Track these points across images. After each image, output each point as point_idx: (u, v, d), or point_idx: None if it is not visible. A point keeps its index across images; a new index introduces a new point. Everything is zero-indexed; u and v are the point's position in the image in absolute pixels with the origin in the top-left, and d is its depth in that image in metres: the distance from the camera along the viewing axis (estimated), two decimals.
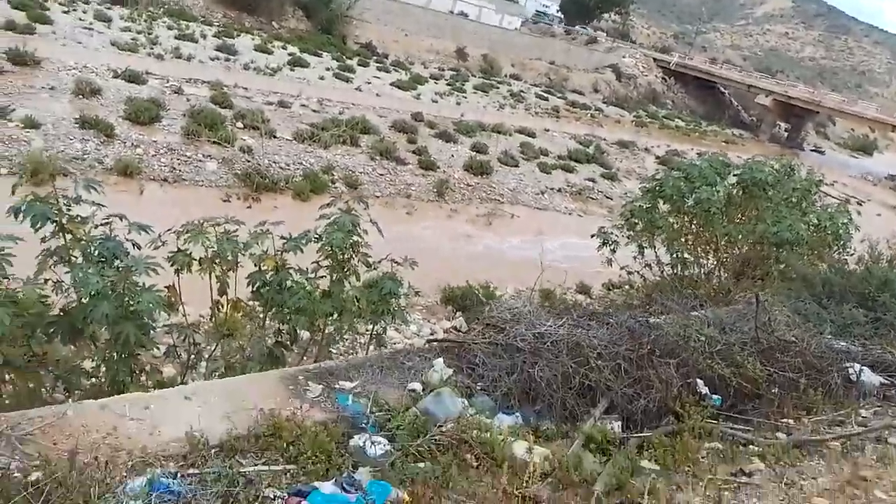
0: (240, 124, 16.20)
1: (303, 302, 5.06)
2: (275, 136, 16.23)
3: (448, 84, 33.00)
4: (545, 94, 39.34)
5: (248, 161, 14.39)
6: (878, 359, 5.31)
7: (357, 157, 17.11)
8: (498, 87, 36.71)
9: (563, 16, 64.27)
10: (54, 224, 4.30)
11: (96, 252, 4.78)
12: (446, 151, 19.87)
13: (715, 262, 10.98)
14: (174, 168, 13.45)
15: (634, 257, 11.03)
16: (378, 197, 15.75)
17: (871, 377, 5.16)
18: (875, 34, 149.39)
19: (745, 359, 4.55)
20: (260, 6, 34.26)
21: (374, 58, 34.21)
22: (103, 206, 4.81)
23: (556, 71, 47.17)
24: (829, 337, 5.47)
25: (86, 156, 12.68)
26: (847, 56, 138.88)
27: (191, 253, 4.88)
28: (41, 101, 14.18)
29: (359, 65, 30.31)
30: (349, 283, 5.36)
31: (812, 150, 56.24)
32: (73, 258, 4.50)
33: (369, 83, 27.02)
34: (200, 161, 13.96)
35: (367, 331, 6.12)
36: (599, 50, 55.85)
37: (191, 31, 26.03)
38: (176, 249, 5.10)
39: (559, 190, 20.37)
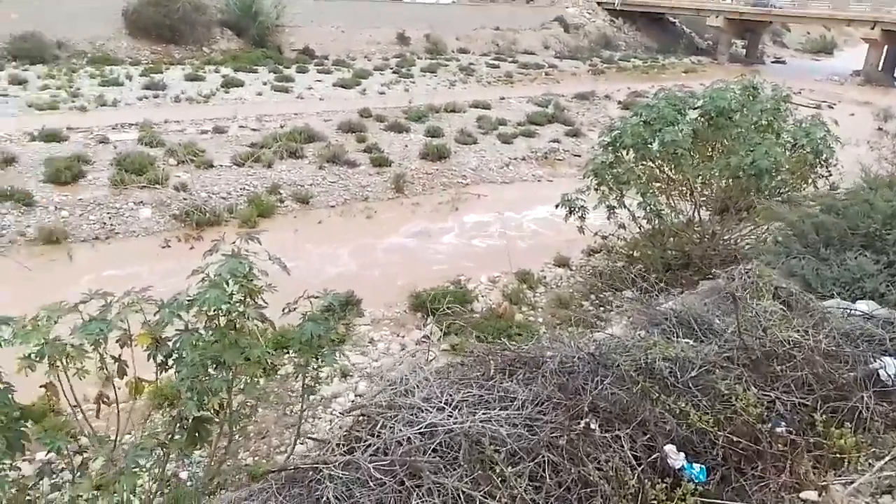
0: (172, 161, 15.15)
1: (188, 381, 4.15)
2: (211, 166, 15.19)
3: (394, 72, 31.88)
4: (495, 62, 38.26)
5: (185, 199, 13.40)
6: None
7: (304, 168, 16.12)
8: (446, 65, 35.62)
9: None
10: None
11: None
12: (399, 143, 18.88)
13: (693, 206, 10.12)
14: (104, 224, 12.45)
15: (607, 218, 10.18)
16: (332, 207, 14.81)
17: None
18: None
19: (731, 388, 3.47)
20: (186, 35, 32.87)
21: (314, 61, 32.99)
22: None
23: (502, 36, 45.98)
24: (840, 308, 4.41)
25: (4, 231, 11.67)
26: None
27: (31, 354, 3.94)
28: None
29: (298, 72, 29.12)
30: (245, 342, 4.41)
31: (773, 62, 55.39)
32: None
33: (310, 89, 25.92)
34: (132, 210, 12.96)
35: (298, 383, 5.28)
36: (542, 5, 54.63)
37: (115, 75, 24.75)
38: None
39: (523, 158, 19.47)
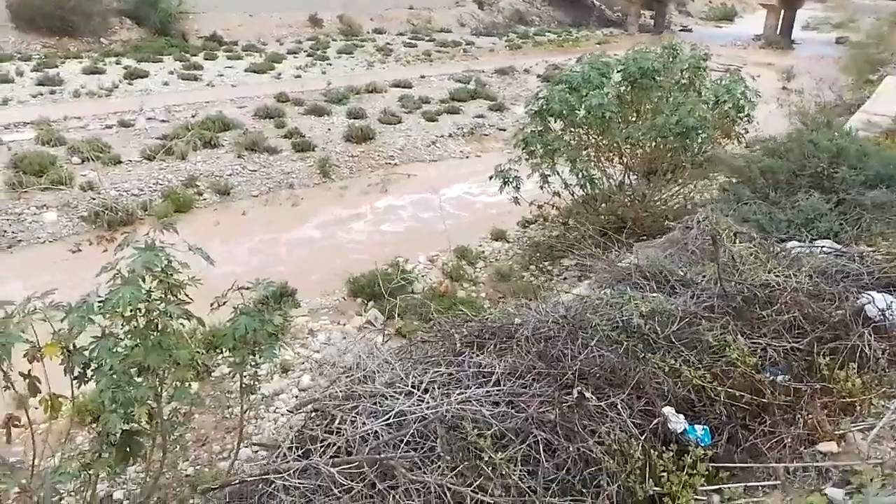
0: (76, 159, 14.07)
1: (109, 392, 3.72)
2: (119, 162, 14.21)
3: (309, 55, 30.91)
4: (412, 41, 37.76)
5: (94, 199, 12.46)
6: (882, 274, 3.96)
7: (222, 158, 15.34)
8: (362, 46, 34.86)
9: None
10: None
11: None
12: (320, 127, 18.28)
13: (622, 170, 10.17)
14: (5, 232, 11.41)
15: (541, 187, 10.11)
16: (256, 196, 14.16)
17: None
18: None
19: (719, 338, 3.30)
20: (80, 26, 30.58)
21: (223, 48, 31.54)
22: None
23: (417, 15, 45.37)
24: (799, 244, 4.39)
25: None
26: None
27: None
28: None
29: (206, 59, 27.78)
30: (169, 343, 3.98)
31: (681, 31, 57.13)
32: None
33: (221, 76, 24.77)
34: (35, 214, 11.94)
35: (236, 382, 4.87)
36: None
37: (3, 71, 22.81)
38: None
39: (450, 135, 19.25)
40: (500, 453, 2.69)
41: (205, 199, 13.48)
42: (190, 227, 10.98)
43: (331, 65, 28.94)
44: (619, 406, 2.92)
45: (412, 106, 21.15)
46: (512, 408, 2.91)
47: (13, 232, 11.50)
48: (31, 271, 10.34)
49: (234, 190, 14.03)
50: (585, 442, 2.76)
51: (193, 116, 17.77)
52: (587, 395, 2.94)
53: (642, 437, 2.85)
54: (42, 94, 20.58)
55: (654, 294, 3.73)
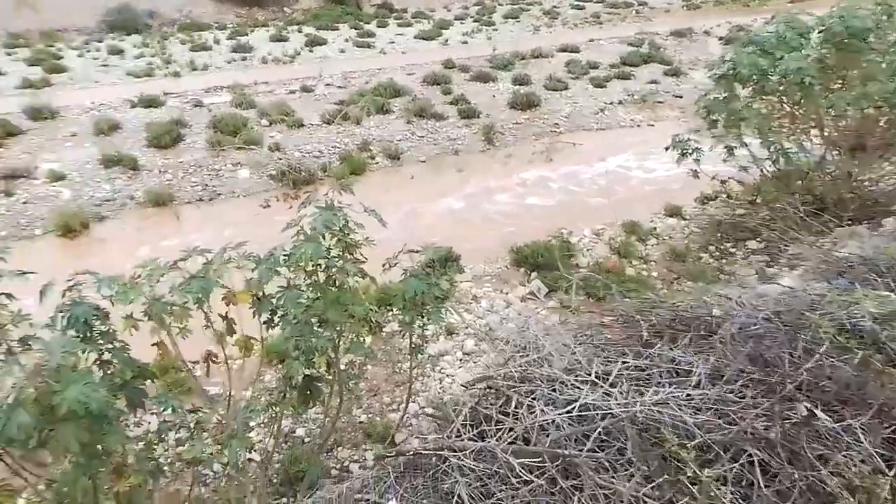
0: (265, 122, 15.31)
1: (292, 340, 3.97)
2: (302, 125, 15.23)
3: (475, 21, 30.97)
4: (580, 3, 36.37)
5: (280, 159, 13.50)
6: None
7: (392, 124, 15.90)
8: (528, 9, 34.24)
9: None
10: None
11: (66, 322, 3.86)
12: (485, 93, 18.29)
13: (822, 144, 9.08)
14: (206, 185, 12.72)
15: (724, 160, 9.34)
16: (423, 161, 14.53)
17: None
18: None
19: None
20: None
21: (393, 15, 32.53)
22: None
23: None
24: None
25: (116, 195, 12.14)
26: None
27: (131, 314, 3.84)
28: (64, 150, 13.77)
29: (378, 26, 28.83)
30: (346, 298, 4.16)
31: None
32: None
33: (392, 43, 25.57)
34: (231, 171, 13.18)
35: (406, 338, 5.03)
36: None
37: (203, 40, 25.31)
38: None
39: (620, 102, 18.39)
40: (706, 469, 2.32)
41: (377, 163, 14.08)
42: (363, 189, 11.53)
43: (496, 30, 28.77)
44: (857, 430, 2.40)
45: (579, 71, 20.48)
46: (719, 417, 2.51)
47: (213, 186, 12.79)
48: (228, 222, 11.47)
49: (403, 155, 14.49)
50: (816, 470, 2.31)
51: (367, 83, 18.54)
52: (817, 412, 2.47)
53: (890, 473, 2.36)
54: (235, 61, 22.56)
55: (891, 294, 3.15)
